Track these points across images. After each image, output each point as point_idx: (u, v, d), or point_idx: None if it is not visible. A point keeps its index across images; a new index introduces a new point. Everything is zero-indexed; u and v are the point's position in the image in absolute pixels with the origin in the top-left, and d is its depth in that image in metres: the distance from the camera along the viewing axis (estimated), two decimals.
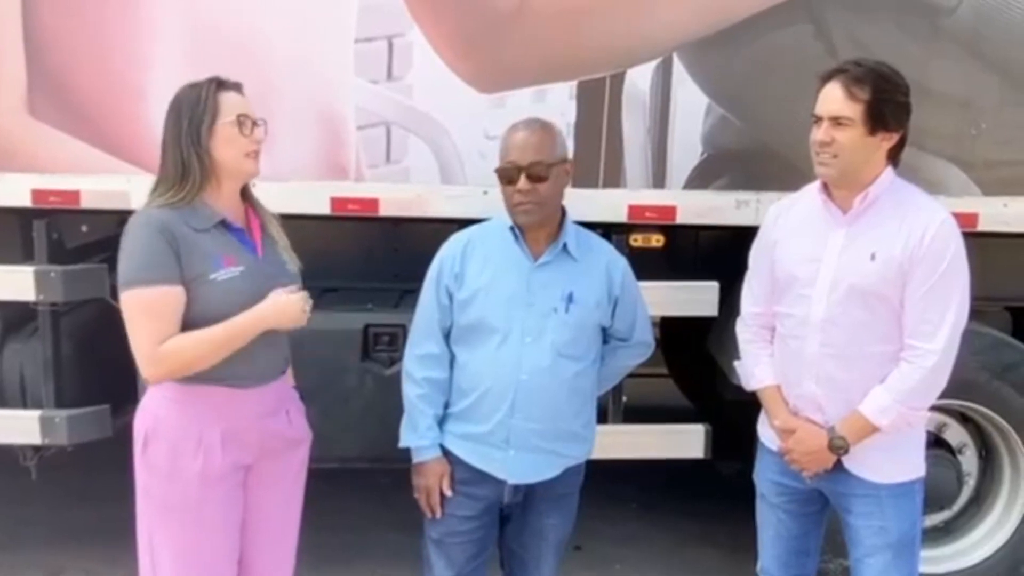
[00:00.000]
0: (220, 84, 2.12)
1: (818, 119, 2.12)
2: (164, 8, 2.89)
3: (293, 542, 2.33)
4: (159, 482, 2.12)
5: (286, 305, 2.10)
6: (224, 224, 2.12)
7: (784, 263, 2.25)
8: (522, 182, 2.19)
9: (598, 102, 3.02)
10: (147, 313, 2.02)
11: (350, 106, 2.99)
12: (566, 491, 2.38)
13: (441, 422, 2.33)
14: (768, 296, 2.31)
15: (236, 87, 2.14)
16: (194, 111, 2.07)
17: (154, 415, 2.13)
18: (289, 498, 2.29)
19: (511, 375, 2.24)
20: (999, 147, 3.04)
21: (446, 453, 2.32)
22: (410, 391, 2.34)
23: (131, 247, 2.05)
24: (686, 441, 3.25)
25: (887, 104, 2.09)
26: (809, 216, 2.23)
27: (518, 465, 2.28)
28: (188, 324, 2.06)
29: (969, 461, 3.27)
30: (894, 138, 2.13)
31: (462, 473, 2.31)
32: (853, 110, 2.08)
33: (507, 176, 2.21)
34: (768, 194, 2.93)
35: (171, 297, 2.03)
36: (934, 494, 3.10)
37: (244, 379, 2.11)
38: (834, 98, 2.09)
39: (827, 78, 2.12)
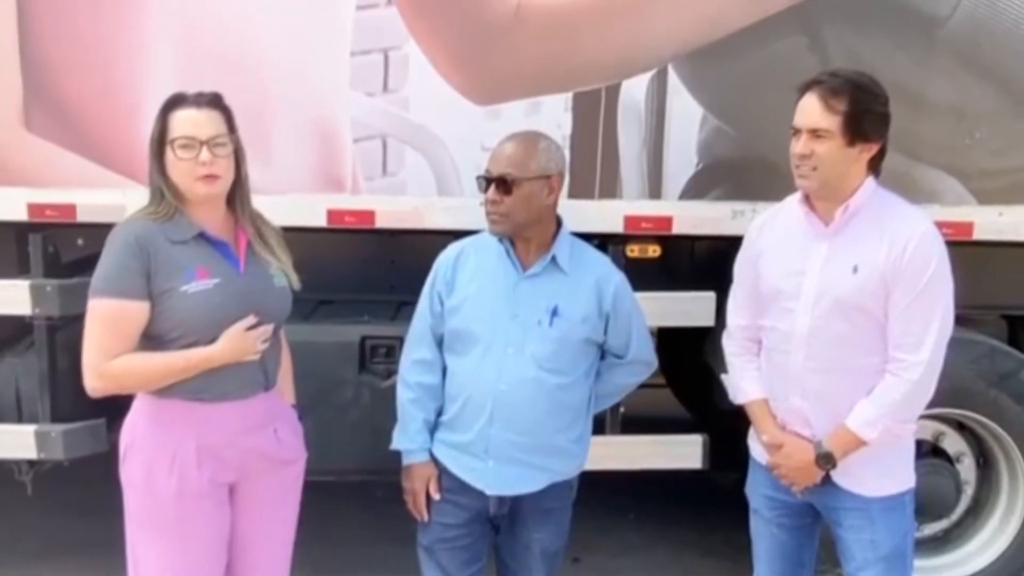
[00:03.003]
0: (177, 101, 2.07)
1: (796, 131, 2.11)
2: (159, 22, 2.90)
3: (286, 562, 2.31)
4: (137, 497, 2.11)
5: (239, 341, 2.07)
6: (204, 237, 2.10)
7: (768, 276, 2.24)
8: (491, 192, 2.22)
9: (594, 113, 3.03)
10: (104, 324, 2.03)
11: (346, 119, 3.00)
12: (554, 505, 2.37)
13: (434, 430, 2.34)
14: (753, 309, 2.30)
15: (198, 102, 2.07)
16: (153, 130, 2.07)
17: (132, 430, 2.12)
18: (281, 518, 2.27)
19: (491, 385, 2.24)
20: (994, 156, 3.05)
21: (436, 461, 2.33)
22: (403, 395, 2.36)
23: (104, 257, 2.06)
24: (684, 452, 3.25)
25: (865, 115, 2.08)
26: (792, 228, 2.22)
27: (496, 476, 2.28)
28: (157, 335, 2.05)
29: (967, 470, 3.27)
30: (873, 148, 2.12)
31: (448, 481, 2.32)
32: (831, 122, 2.06)
33: (480, 184, 2.26)
34: (764, 204, 2.91)
35: (131, 312, 2.02)
36: (932, 503, 3.12)
37: (213, 394, 2.08)
38: (812, 110, 2.08)
39: (804, 89, 2.11)
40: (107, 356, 2.03)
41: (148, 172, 2.11)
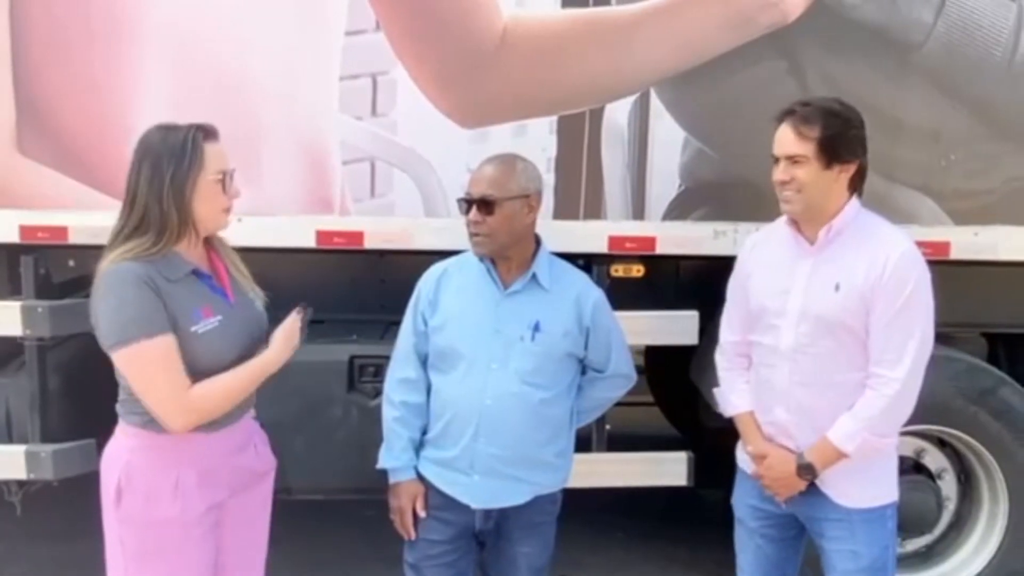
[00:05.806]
0: (207, 133, 2.04)
1: (776, 159, 2.19)
2: (151, 46, 2.94)
3: (261, 572, 2.32)
4: (135, 531, 2.07)
5: (292, 338, 2.15)
6: (196, 273, 2.09)
7: (757, 294, 2.30)
8: (473, 213, 2.27)
9: (578, 136, 3.08)
10: (161, 365, 1.98)
11: (335, 142, 3.05)
12: (539, 520, 2.40)
13: (419, 447, 2.38)
14: (744, 325, 2.36)
15: (215, 135, 2.06)
16: (179, 163, 2.00)
17: (126, 464, 2.06)
18: (258, 530, 2.29)
19: (476, 400, 2.28)
20: (968, 178, 3.11)
21: (422, 478, 2.36)
22: (388, 414, 2.39)
23: (118, 303, 1.97)
24: (669, 469, 3.28)
25: (838, 138, 2.15)
26: (780, 248, 2.29)
27: (482, 490, 2.31)
28: None
29: (948, 486, 3.31)
30: (851, 168, 2.19)
31: (435, 498, 2.35)
32: (805, 148, 2.14)
33: (461, 207, 2.30)
34: (745, 224, 2.99)
35: (174, 344, 1.99)
36: (914, 519, 3.15)
37: (217, 422, 2.10)
38: (786, 140, 2.17)
39: (779, 120, 2.19)
40: (184, 389, 1.99)
41: (145, 208, 2.01)
